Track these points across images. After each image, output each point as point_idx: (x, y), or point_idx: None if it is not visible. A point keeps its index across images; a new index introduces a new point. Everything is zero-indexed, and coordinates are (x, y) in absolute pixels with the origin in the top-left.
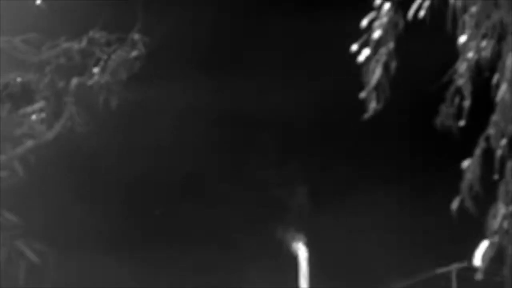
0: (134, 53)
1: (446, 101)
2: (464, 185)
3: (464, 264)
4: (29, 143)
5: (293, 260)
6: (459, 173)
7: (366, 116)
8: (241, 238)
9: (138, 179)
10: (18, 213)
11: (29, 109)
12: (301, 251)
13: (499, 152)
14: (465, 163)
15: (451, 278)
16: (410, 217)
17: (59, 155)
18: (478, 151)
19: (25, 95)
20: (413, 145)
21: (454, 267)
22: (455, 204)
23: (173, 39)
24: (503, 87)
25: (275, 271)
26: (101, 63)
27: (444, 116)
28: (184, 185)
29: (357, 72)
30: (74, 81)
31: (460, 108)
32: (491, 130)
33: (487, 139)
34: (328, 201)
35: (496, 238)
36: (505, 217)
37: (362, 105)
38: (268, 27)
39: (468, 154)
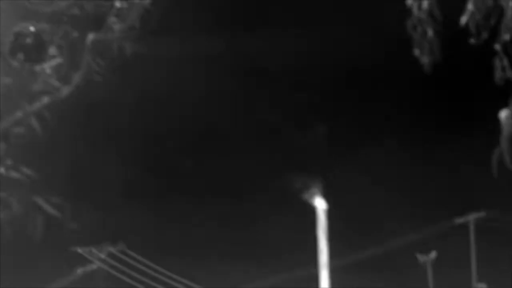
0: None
1: (498, 54)
2: (503, 137)
3: (482, 214)
4: (45, 99)
5: (312, 211)
6: (479, 124)
7: (426, 71)
8: (259, 188)
9: (152, 130)
10: (36, 168)
11: (45, 65)
12: (319, 202)
13: None
14: (503, 113)
15: (469, 228)
16: (428, 167)
17: (76, 109)
18: None
19: (37, 46)
20: (435, 94)
21: (472, 217)
22: (495, 157)
23: None
24: None
25: (293, 222)
26: (115, 11)
27: (500, 69)
28: (199, 135)
29: (376, 24)
30: (90, 36)
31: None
32: None
33: None
34: (346, 152)
35: None
36: None
37: (381, 53)
38: None
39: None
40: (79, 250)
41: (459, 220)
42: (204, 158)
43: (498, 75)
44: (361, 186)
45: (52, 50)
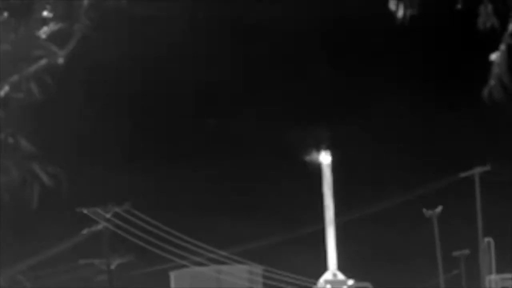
0: None
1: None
2: (493, 74)
3: (487, 167)
4: (43, 62)
5: (317, 166)
6: (478, 77)
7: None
8: (263, 143)
9: (150, 91)
10: (37, 133)
11: (41, 31)
12: (324, 157)
13: None
14: (493, 55)
15: (474, 181)
16: (433, 124)
17: (74, 72)
18: (503, 46)
19: (25, 5)
20: (440, 55)
21: (477, 170)
22: (485, 91)
23: None
24: None
25: (299, 177)
26: None
27: (484, 16)
28: (198, 95)
29: None
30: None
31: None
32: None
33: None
34: (352, 109)
35: None
36: None
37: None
38: None
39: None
40: (85, 211)
41: (464, 174)
42: (205, 118)
43: (481, 20)
44: (366, 141)
45: (39, 7)
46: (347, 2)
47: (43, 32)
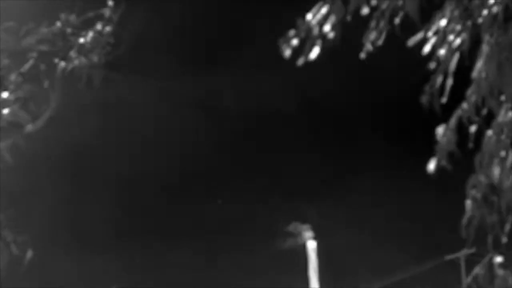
0: (108, 29)
1: (430, 81)
2: (440, 147)
3: (472, 250)
4: (17, 132)
5: (302, 251)
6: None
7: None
8: (248, 230)
9: (125, 170)
10: (9, 204)
11: (9, 96)
12: (310, 242)
13: (474, 125)
14: (440, 129)
15: (460, 264)
16: (417, 205)
17: (48, 144)
18: (453, 120)
19: None
20: (415, 133)
21: (463, 253)
22: (431, 165)
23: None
24: (479, 65)
25: (284, 263)
26: (77, 44)
27: (428, 95)
28: (174, 177)
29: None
30: (61, 64)
31: (443, 87)
32: (465, 104)
33: (463, 110)
34: (335, 193)
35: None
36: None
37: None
38: None
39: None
40: None
41: (450, 257)
42: (181, 202)
43: (424, 99)
44: (349, 224)
45: (8, 85)
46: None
47: (12, 98)
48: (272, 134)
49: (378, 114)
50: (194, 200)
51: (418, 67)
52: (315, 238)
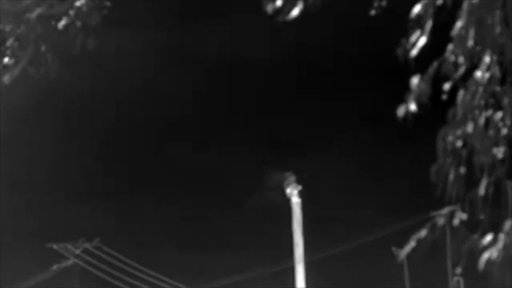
0: None
1: (407, 35)
2: (412, 94)
3: (456, 207)
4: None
5: (287, 204)
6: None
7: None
8: (230, 180)
9: (111, 124)
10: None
11: (9, 61)
12: (294, 195)
13: (450, 81)
14: (414, 80)
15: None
16: (402, 160)
17: (38, 104)
18: (430, 72)
19: None
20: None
21: (448, 209)
22: (401, 111)
23: None
24: (459, 24)
25: (268, 216)
26: (74, 7)
27: (403, 47)
28: (159, 129)
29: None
30: (54, 29)
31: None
32: (446, 55)
33: (440, 64)
34: (324, 146)
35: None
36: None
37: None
38: None
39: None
40: (54, 247)
41: (435, 213)
42: (167, 152)
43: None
44: (337, 177)
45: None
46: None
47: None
48: (260, 87)
49: (365, 69)
50: (179, 151)
51: (398, 23)
52: (299, 190)
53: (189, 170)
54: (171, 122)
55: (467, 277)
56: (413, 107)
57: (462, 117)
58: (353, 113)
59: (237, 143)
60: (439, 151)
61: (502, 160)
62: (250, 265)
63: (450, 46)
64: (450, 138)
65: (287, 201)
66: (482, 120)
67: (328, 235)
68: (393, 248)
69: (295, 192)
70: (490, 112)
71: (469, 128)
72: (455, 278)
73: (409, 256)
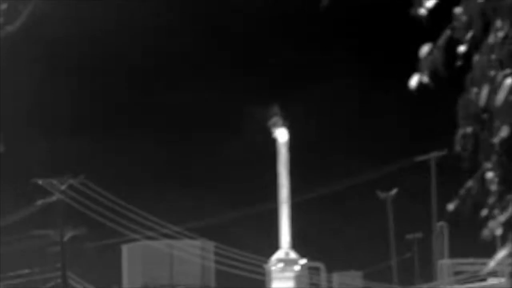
0: None
1: None
2: (423, 64)
3: (443, 152)
4: None
5: (273, 145)
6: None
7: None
8: (218, 120)
9: (99, 64)
10: None
11: None
12: (280, 135)
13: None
14: (424, 47)
15: (430, 166)
16: (389, 106)
17: (25, 44)
18: (442, 39)
19: None
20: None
21: (433, 155)
22: (413, 81)
23: None
24: None
25: (254, 155)
26: None
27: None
28: (148, 69)
29: None
30: None
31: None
32: (456, 22)
33: (453, 29)
34: (311, 90)
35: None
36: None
37: None
38: None
39: None
40: (40, 182)
41: (420, 158)
42: (154, 90)
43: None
44: (324, 122)
45: None
46: None
47: None
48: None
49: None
50: (167, 89)
51: None
52: (286, 132)
53: (176, 107)
54: (158, 58)
55: (451, 223)
56: (425, 78)
57: (479, 80)
58: (341, 59)
59: (224, 81)
60: (460, 119)
61: None
62: (235, 206)
63: (460, 8)
64: (470, 104)
65: (272, 141)
66: (499, 81)
67: (315, 179)
68: (378, 192)
69: (282, 133)
70: (507, 71)
71: (485, 91)
72: (439, 224)
73: (394, 200)
